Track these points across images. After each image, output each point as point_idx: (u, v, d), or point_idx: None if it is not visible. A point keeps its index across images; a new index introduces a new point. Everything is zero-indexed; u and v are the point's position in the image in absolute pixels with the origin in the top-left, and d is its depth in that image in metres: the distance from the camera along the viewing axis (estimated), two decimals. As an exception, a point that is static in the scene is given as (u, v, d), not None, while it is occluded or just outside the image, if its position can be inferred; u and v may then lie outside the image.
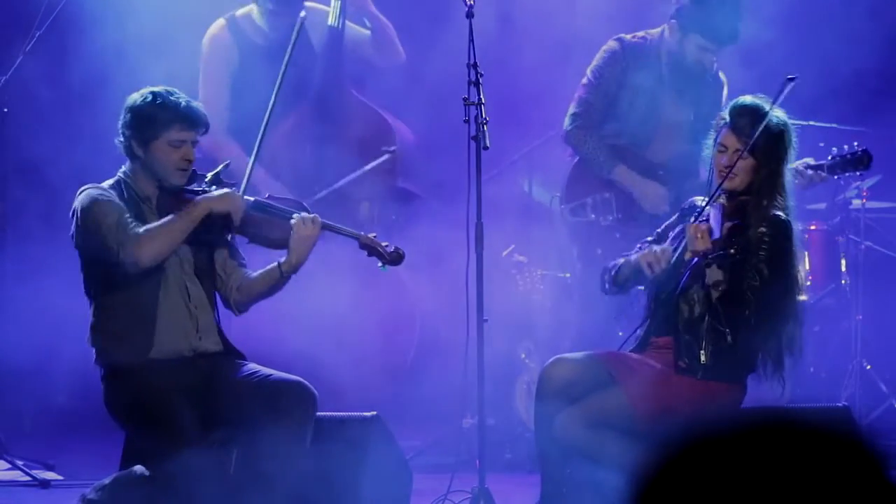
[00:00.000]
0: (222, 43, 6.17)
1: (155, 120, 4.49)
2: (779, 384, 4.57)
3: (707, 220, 4.54)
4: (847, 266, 7.00)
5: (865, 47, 6.97)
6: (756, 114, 4.52)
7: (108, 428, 4.66)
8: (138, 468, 4.39)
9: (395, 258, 4.66)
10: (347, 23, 6.30)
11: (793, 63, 6.76)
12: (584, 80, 6.00)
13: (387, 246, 4.66)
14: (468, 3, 4.93)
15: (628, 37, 6.02)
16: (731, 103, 4.66)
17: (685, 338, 4.52)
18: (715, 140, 4.60)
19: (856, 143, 5.45)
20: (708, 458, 1.39)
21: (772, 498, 1.36)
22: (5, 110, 6.21)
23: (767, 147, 4.51)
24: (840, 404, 5.28)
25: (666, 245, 4.63)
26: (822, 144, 7.16)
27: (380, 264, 4.66)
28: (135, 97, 4.58)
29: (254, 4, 6.23)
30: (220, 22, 6.19)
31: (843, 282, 7.01)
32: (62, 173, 6.49)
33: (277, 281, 4.64)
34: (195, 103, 4.58)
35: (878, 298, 6.91)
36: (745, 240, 4.49)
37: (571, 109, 6.00)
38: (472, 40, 4.85)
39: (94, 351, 4.57)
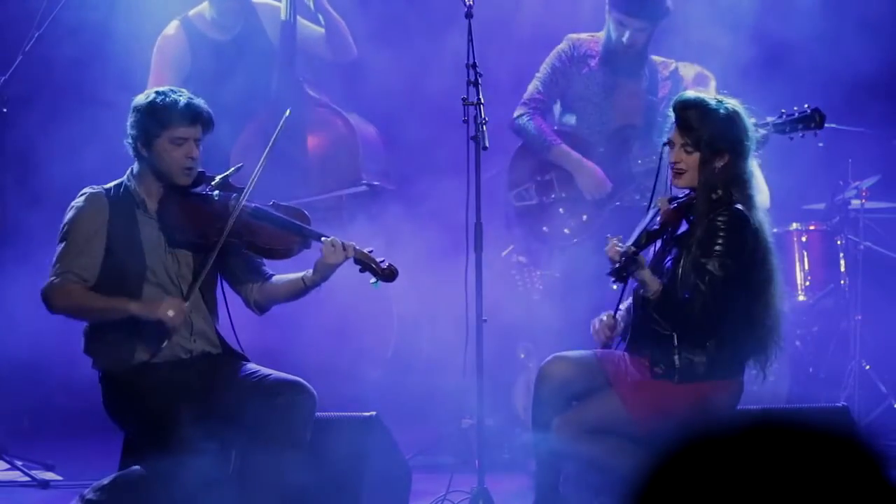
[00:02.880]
0: (174, 45, 6.17)
1: (156, 117, 4.48)
2: (760, 373, 4.55)
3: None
4: (846, 266, 7.00)
5: (865, 47, 6.97)
6: (700, 107, 4.47)
7: (108, 428, 4.66)
8: (137, 469, 4.39)
9: (388, 274, 4.58)
10: (306, 23, 6.30)
11: (793, 63, 6.78)
12: (537, 75, 6.28)
13: (381, 262, 4.59)
14: (468, 3, 4.93)
15: (576, 36, 6.31)
16: (675, 99, 4.59)
17: (657, 343, 4.51)
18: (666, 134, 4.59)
19: (806, 105, 5.37)
20: (706, 460, 1.39)
21: (771, 499, 1.36)
22: (4, 110, 6.20)
23: (713, 139, 4.43)
24: (839, 404, 5.28)
25: (605, 316, 4.65)
26: (821, 144, 7.17)
27: (372, 280, 4.60)
28: (139, 97, 4.59)
29: (206, 2, 6.24)
30: (175, 23, 6.19)
31: (842, 282, 7.01)
32: (61, 173, 6.48)
33: (301, 292, 4.66)
34: (197, 100, 4.55)
35: (877, 299, 6.90)
36: (691, 240, 4.43)
37: (522, 100, 6.25)
38: (471, 40, 4.85)
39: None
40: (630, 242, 4.47)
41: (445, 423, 6.25)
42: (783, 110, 5.32)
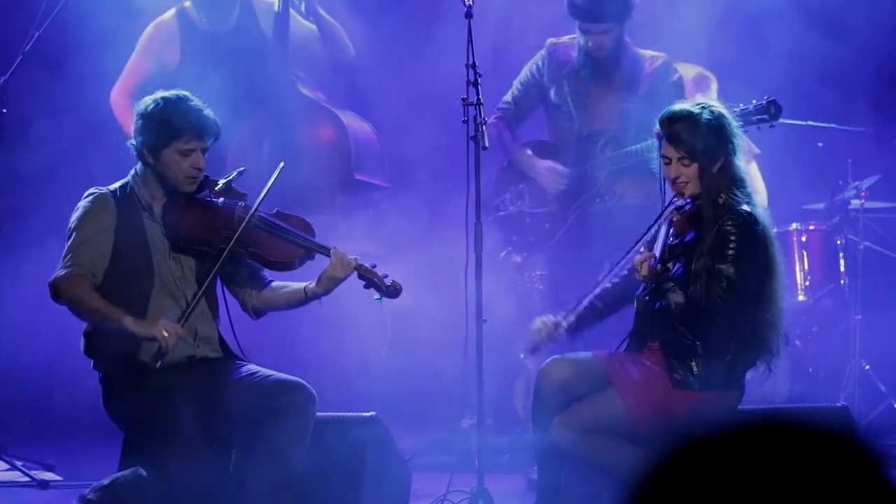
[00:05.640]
0: (165, 29, 6.21)
1: (165, 129, 4.44)
2: (767, 371, 4.57)
3: (654, 242, 4.51)
4: (846, 266, 7.00)
5: (865, 47, 6.98)
6: (687, 119, 4.47)
7: (108, 428, 4.66)
8: (137, 469, 4.38)
9: (393, 291, 4.59)
10: (299, 19, 6.28)
11: (793, 62, 6.78)
12: (515, 81, 6.30)
13: (385, 277, 4.60)
14: (467, 3, 4.93)
15: (555, 40, 6.25)
16: (660, 116, 4.57)
17: (672, 350, 4.51)
18: (659, 151, 4.59)
19: (765, 97, 5.26)
20: (706, 460, 1.39)
21: (770, 499, 1.36)
22: (4, 111, 6.20)
23: (708, 147, 4.44)
24: (839, 404, 5.27)
25: (550, 319, 4.74)
26: (820, 144, 7.18)
27: (376, 296, 4.61)
28: (147, 102, 4.53)
29: None
30: (171, 10, 6.23)
31: (841, 282, 7.01)
32: (61, 173, 6.49)
33: (301, 302, 4.65)
34: (207, 111, 4.52)
35: (877, 298, 6.91)
36: (702, 248, 4.44)
37: (497, 105, 6.23)
38: (470, 40, 4.85)
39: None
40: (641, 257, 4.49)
41: (445, 423, 6.25)
42: (740, 104, 5.21)
